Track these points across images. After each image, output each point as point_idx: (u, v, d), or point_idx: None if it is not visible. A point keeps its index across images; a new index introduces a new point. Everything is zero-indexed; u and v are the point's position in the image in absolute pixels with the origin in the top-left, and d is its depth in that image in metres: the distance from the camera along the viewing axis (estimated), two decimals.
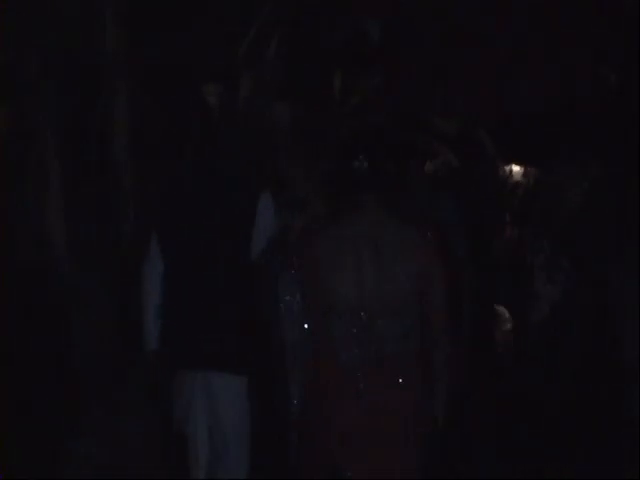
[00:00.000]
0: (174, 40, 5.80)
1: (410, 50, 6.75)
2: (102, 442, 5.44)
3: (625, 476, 5.16)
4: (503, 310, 7.54)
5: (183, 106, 5.64)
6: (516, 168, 8.70)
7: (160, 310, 4.76)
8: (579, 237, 5.54)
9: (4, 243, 5.49)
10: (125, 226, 5.81)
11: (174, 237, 4.74)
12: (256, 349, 4.66)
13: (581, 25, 6.47)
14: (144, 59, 5.75)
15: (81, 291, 5.64)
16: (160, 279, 4.75)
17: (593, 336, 5.40)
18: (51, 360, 5.46)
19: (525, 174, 8.59)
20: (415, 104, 6.83)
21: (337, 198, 4.46)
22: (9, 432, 5.13)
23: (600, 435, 5.30)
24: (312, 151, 6.16)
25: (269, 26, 6.22)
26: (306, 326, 4.37)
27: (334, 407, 4.28)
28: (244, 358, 4.70)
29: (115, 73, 5.74)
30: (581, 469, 5.23)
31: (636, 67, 6.31)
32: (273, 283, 4.41)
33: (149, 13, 5.80)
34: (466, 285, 6.26)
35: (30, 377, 5.34)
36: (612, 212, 5.54)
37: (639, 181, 5.65)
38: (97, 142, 5.78)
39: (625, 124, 6.36)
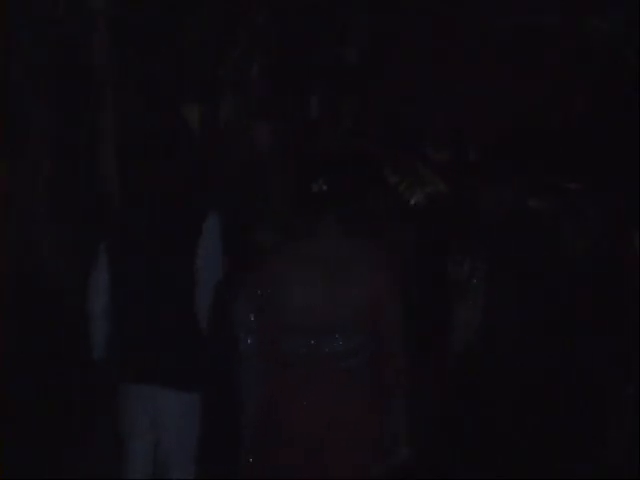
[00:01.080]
0: (158, 57, 5.88)
1: (395, 70, 6.81)
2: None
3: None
4: None
5: (163, 123, 5.70)
6: None
7: (106, 322, 4.79)
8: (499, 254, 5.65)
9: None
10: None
11: (122, 250, 4.78)
12: (203, 365, 4.69)
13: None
14: (129, 74, 5.81)
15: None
16: (106, 291, 4.79)
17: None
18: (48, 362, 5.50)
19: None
20: (399, 124, 6.87)
21: (295, 217, 4.51)
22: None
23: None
24: (291, 170, 6.22)
25: (251, 48, 6.30)
26: (250, 341, 4.40)
27: (285, 422, 4.32)
28: (190, 374, 4.69)
29: (101, 85, 5.79)
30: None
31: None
32: (228, 300, 4.47)
33: (135, 28, 5.88)
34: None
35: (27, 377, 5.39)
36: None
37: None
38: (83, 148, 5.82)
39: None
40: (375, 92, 6.90)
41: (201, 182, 5.20)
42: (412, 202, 7.14)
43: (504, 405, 5.59)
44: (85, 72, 5.73)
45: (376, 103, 6.91)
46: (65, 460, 5.32)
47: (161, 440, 4.68)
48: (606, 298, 5.98)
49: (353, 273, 4.30)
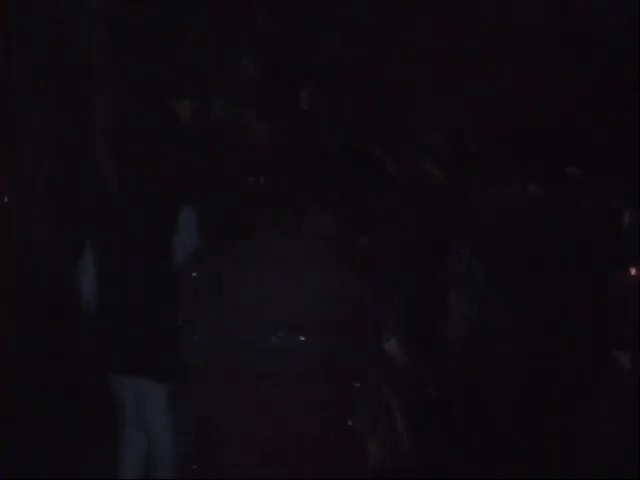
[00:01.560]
0: (154, 54, 5.91)
1: (392, 66, 6.83)
2: None
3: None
4: None
5: (156, 117, 5.75)
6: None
7: (93, 314, 4.88)
8: (497, 251, 5.68)
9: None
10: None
11: (106, 245, 4.86)
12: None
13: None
14: (127, 69, 5.84)
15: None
16: (92, 283, 4.88)
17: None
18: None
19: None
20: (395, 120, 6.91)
21: (253, 215, 4.55)
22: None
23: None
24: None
25: (244, 45, 6.34)
26: (200, 338, 4.44)
27: (245, 422, 4.35)
28: (166, 367, 4.73)
29: (99, 79, 5.82)
30: None
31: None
32: (190, 297, 4.52)
33: (133, 27, 5.92)
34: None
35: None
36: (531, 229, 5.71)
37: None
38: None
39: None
40: (374, 90, 6.92)
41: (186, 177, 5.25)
42: (413, 195, 7.19)
43: (501, 400, 5.66)
44: (82, 70, 5.77)
45: (376, 101, 6.93)
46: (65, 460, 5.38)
47: (150, 434, 4.80)
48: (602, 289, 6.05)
49: (313, 273, 4.36)
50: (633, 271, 6.05)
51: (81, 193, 5.65)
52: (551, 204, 6.24)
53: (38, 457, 5.22)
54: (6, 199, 5.69)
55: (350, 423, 4.38)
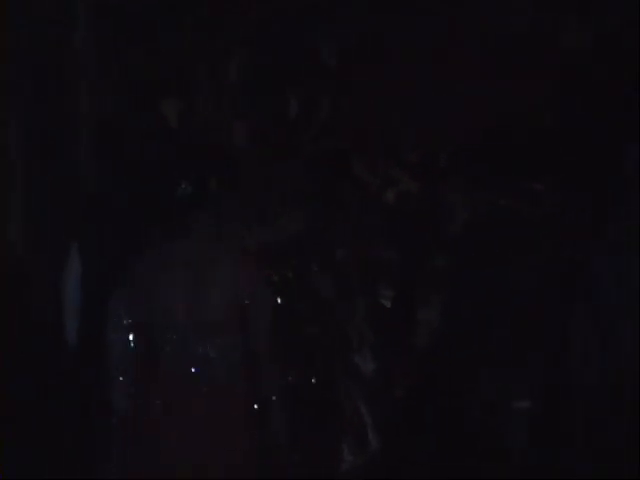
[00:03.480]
0: (139, 53, 5.90)
1: (369, 72, 6.90)
2: None
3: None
4: None
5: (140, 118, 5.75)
6: None
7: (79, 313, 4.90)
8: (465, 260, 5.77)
9: None
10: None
11: (93, 247, 4.88)
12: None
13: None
14: (111, 67, 5.83)
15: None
16: (78, 283, 4.90)
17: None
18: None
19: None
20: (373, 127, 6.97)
21: (166, 219, 4.57)
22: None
23: None
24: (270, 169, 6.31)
25: (230, 46, 6.35)
26: (120, 345, 4.46)
27: (154, 419, 4.39)
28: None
29: (82, 76, 5.81)
30: None
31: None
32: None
33: (117, 24, 5.91)
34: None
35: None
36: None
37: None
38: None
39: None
40: (351, 93, 6.98)
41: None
42: (384, 200, 7.24)
43: (464, 403, 5.72)
44: (63, 67, 5.75)
45: (352, 104, 6.99)
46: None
47: None
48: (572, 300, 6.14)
49: (220, 278, 4.39)
50: None
51: (65, 194, 5.64)
52: (520, 216, 6.33)
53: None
54: None
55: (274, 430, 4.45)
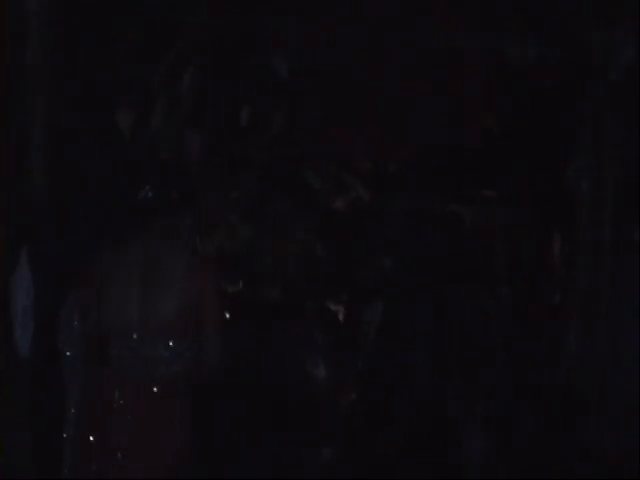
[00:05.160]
0: (92, 61, 5.91)
1: (320, 84, 7.01)
2: None
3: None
4: None
5: (95, 129, 5.77)
6: None
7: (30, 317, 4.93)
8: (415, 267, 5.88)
9: None
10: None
11: (43, 250, 4.92)
12: None
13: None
14: (63, 77, 5.83)
15: None
16: (28, 291, 4.93)
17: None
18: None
19: None
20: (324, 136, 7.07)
21: (121, 224, 4.63)
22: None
23: None
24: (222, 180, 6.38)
25: (184, 56, 6.40)
26: (70, 353, 4.52)
27: (107, 425, 4.44)
28: None
29: (34, 89, 5.80)
30: None
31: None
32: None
33: (70, 33, 5.90)
34: None
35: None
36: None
37: None
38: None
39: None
40: (303, 104, 7.08)
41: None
42: (333, 207, 7.34)
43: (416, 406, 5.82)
44: (18, 74, 5.74)
45: (304, 114, 7.09)
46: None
47: None
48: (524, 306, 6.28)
49: (170, 277, 4.46)
50: None
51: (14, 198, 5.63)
52: (471, 224, 6.46)
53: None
54: None
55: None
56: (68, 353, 4.54)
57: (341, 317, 6.62)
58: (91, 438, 4.47)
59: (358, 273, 6.73)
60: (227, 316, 5.62)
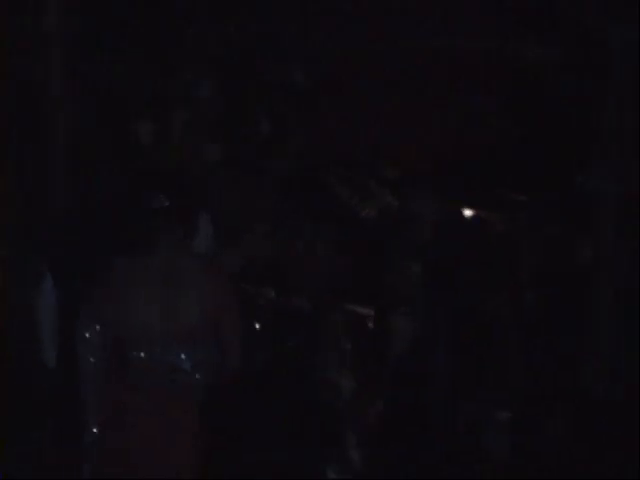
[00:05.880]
0: (110, 74, 5.96)
1: (341, 96, 7.02)
2: None
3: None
4: None
5: (114, 142, 5.81)
6: None
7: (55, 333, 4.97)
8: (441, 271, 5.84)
9: None
10: None
11: (65, 263, 4.95)
12: None
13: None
14: (82, 89, 5.89)
15: None
16: (53, 308, 4.97)
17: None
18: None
19: None
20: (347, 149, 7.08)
21: (137, 233, 4.63)
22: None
23: None
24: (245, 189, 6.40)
25: (203, 67, 6.44)
26: (92, 359, 4.53)
27: (130, 433, 4.46)
28: None
29: (54, 101, 5.86)
30: None
31: None
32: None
33: (89, 45, 5.96)
34: None
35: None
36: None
37: None
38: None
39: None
40: (325, 113, 7.09)
41: None
42: (363, 215, 7.32)
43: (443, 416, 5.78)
44: (38, 88, 5.80)
45: (326, 122, 7.10)
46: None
47: None
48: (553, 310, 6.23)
49: (192, 289, 4.45)
50: None
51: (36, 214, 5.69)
52: (496, 228, 6.42)
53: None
54: None
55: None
56: (90, 362, 4.55)
57: (370, 325, 6.59)
58: (112, 445, 4.50)
59: (386, 280, 6.70)
60: (256, 325, 5.63)
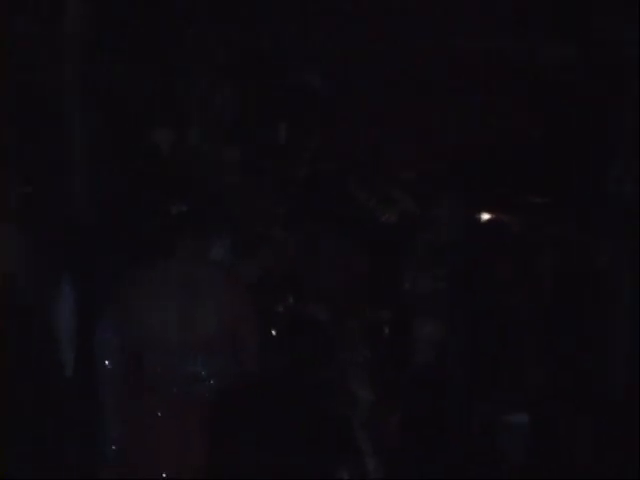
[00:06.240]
0: (128, 81, 5.98)
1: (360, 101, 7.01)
2: None
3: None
4: None
5: (132, 148, 5.83)
6: None
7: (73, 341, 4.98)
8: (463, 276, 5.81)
9: None
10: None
11: (83, 270, 4.96)
12: None
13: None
14: (99, 96, 5.90)
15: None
16: (71, 313, 4.98)
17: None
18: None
19: None
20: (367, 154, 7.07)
21: (155, 242, 4.61)
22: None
23: None
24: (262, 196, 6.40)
25: (220, 75, 6.45)
26: (109, 363, 4.52)
27: (145, 439, 4.45)
28: None
29: (70, 106, 5.87)
30: None
31: None
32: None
33: (106, 53, 5.98)
34: None
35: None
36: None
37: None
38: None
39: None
40: (342, 118, 7.09)
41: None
42: (383, 219, 7.31)
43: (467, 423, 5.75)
44: (56, 93, 5.82)
45: (344, 128, 7.10)
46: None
47: None
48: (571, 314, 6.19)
49: (209, 297, 4.43)
50: None
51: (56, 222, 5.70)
52: (519, 232, 6.39)
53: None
54: None
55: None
56: (107, 369, 4.55)
57: (387, 332, 6.57)
58: (129, 451, 4.50)
59: (405, 287, 6.68)
60: (272, 333, 5.61)
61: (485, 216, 6.62)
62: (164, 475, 4.43)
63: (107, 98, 5.93)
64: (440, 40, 6.49)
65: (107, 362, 4.51)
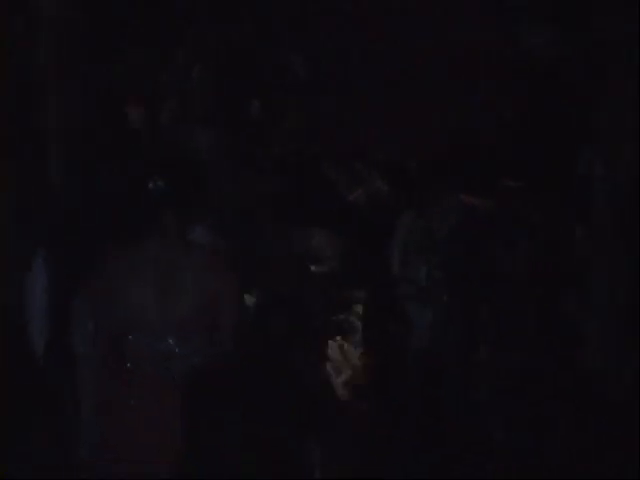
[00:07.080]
0: (103, 61, 5.92)
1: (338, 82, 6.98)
2: None
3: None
4: None
5: (108, 128, 5.77)
6: None
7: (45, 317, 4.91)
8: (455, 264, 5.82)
9: None
10: None
11: (58, 250, 4.89)
12: None
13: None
14: (75, 77, 5.84)
15: None
16: (43, 291, 4.90)
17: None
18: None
19: None
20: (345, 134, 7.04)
21: (132, 219, 4.57)
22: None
23: None
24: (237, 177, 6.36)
25: (193, 54, 6.40)
26: (84, 348, 4.48)
27: (123, 423, 4.40)
28: None
29: (46, 88, 5.81)
30: None
31: None
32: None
33: (82, 33, 5.92)
34: None
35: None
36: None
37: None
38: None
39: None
40: (319, 99, 7.06)
41: None
42: (350, 199, 7.29)
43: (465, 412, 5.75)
44: (28, 72, 5.76)
45: (319, 107, 7.06)
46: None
47: None
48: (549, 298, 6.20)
49: (186, 274, 4.37)
50: None
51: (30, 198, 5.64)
52: (500, 218, 6.39)
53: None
54: None
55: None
56: (82, 352, 4.50)
57: (361, 312, 6.57)
58: (107, 436, 4.46)
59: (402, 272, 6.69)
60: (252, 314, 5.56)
61: (464, 200, 6.62)
62: (143, 455, 4.39)
63: (81, 79, 5.87)
64: (421, 24, 6.48)
65: (82, 341, 4.46)
